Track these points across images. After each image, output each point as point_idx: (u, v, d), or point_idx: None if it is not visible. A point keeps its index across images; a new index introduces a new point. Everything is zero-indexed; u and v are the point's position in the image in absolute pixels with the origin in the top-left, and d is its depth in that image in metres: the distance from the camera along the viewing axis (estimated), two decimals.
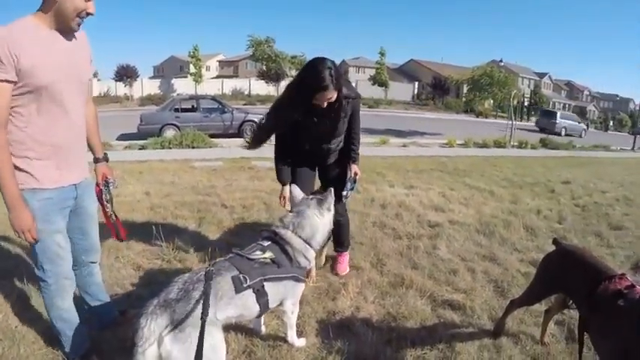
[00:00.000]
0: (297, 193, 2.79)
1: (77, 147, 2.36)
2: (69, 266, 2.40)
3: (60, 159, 2.21)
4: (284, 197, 3.52)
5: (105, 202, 2.75)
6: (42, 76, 2.00)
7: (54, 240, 2.26)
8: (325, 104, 3.11)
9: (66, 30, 2.11)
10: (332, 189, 2.80)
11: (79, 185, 2.39)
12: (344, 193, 3.56)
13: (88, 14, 2.10)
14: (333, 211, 2.78)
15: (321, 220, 2.65)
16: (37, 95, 2.03)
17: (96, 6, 2.11)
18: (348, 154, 3.65)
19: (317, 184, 3.80)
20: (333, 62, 3.06)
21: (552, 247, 2.83)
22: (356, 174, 3.62)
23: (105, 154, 2.71)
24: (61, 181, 2.24)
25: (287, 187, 3.39)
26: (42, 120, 2.09)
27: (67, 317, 2.47)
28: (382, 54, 46.24)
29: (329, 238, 3.89)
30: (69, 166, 2.28)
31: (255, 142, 3.53)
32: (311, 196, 2.76)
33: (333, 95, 3.06)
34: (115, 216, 2.83)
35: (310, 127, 3.31)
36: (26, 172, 2.08)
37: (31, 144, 2.08)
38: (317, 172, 3.78)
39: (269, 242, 2.50)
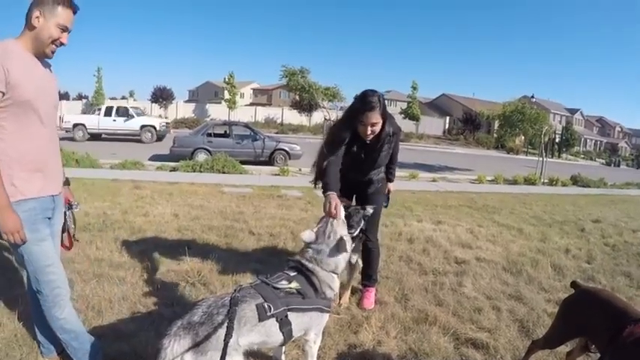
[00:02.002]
0: (308, 236, 2.68)
1: (55, 160, 2.49)
2: (60, 274, 2.44)
3: (41, 171, 2.32)
4: (330, 203, 2.91)
5: (69, 223, 2.80)
6: (25, 91, 2.15)
7: (42, 249, 2.33)
8: (369, 131, 3.32)
9: (41, 56, 2.30)
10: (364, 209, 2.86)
11: (55, 197, 2.49)
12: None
13: (61, 44, 2.29)
14: (350, 238, 2.79)
15: (341, 255, 2.65)
16: (20, 109, 2.16)
17: (68, 39, 2.32)
18: (386, 175, 3.95)
19: None
20: (382, 94, 3.34)
21: None
22: (389, 191, 4.06)
23: (66, 178, 2.78)
24: (42, 192, 2.33)
25: (333, 195, 3.06)
26: (23, 133, 2.21)
27: (68, 328, 2.50)
28: (414, 88, 46.51)
29: (352, 271, 3.93)
30: (49, 177, 2.38)
31: (317, 175, 3.69)
32: (325, 230, 2.69)
33: (378, 120, 3.29)
34: (74, 236, 2.89)
35: (354, 156, 3.50)
36: (10, 184, 2.16)
37: (14, 156, 2.19)
38: (354, 200, 3.88)
39: (295, 272, 2.52)
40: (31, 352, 2.80)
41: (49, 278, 2.37)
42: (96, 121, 24.56)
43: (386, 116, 3.38)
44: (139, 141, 24.27)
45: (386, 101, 3.38)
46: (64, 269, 2.50)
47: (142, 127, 24.84)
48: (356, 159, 3.55)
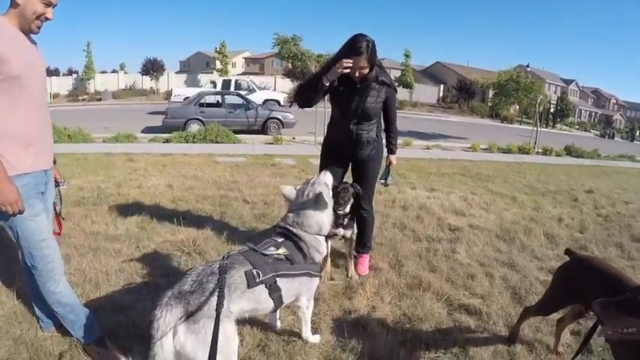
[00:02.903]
0: (289, 191, 2.74)
1: (46, 135, 2.47)
2: (54, 248, 2.46)
3: (32, 146, 2.30)
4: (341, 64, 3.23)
5: (55, 200, 2.78)
6: (15, 66, 2.12)
7: (37, 224, 2.33)
8: (357, 74, 3.31)
9: (27, 31, 2.27)
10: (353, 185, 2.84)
11: (47, 172, 2.49)
12: (382, 181, 3.97)
13: (46, 19, 2.27)
14: (329, 192, 2.78)
15: (325, 212, 2.66)
16: (10, 84, 2.14)
17: (54, 13, 2.30)
18: (387, 146, 3.89)
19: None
20: (373, 40, 3.27)
21: None
22: (391, 163, 3.97)
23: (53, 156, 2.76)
24: (34, 166, 2.32)
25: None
26: (14, 108, 2.19)
27: (65, 301, 2.53)
28: (407, 55, 45.89)
29: (351, 244, 3.95)
30: (40, 152, 2.37)
31: (296, 96, 3.69)
32: (304, 189, 2.72)
33: (364, 65, 3.26)
34: (59, 214, 2.86)
35: (342, 98, 3.51)
36: (4, 158, 2.15)
37: (6, 131, 2.17)
38: (350, 168, 3.90)
39: (283, 238, 2.53)
40: (30, 327, 2.81)
41: (44, 253, 2.38)
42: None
43: (374, 62, 3.34)
44: None
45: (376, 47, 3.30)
46: (57, 244, 2.51)
47: (265, 101, 23.12)
48: (344, 101, 3.53)
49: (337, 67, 3.23)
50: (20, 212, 2.20)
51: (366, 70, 3.33)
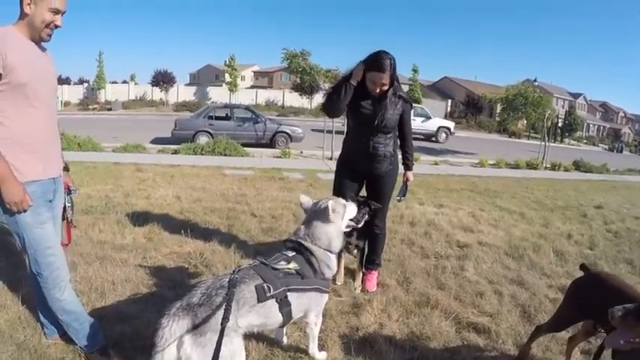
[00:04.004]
0: (305, 201, 2.78)
1: (55, 143, 2.49)
2: (60, 256, 2.46)
3: (41, 153, 2.33)
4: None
5: (67, 208, 2.78)
6: (23, 75, 2.16)
7: (43, 231, 2.34)
8: (377, 90, 3.39)
9: (38, 40, 2.30)
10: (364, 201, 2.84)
11: (56, 179, 2.50)
12: (397, 198, 3.99)
13: (56, 26, 2.29)
14: (345, 214, 2.76)
15: (333, 227, 2.63)
16: (17, 92, 2.17)
17: (64, 20, 2.33)
18: (403, 162, 3.96)
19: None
20: (395, 58, 3.36)
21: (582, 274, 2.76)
22: (407, 179, 4.00)
23: (66, 163, 2.77)
24: (42, 174, 2.34)
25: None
26: (21, 116, 2.21)
27: (69, 309, 2.52)
28: (415, 70, 45.91)
29: (363, 254, 3.93)
30: (49, 160, 2.40)
31: (325, 106, 3.74)
32: (319, 201, 2.73)
33: (386, 81, 3.35)
34: (71, 222, 2.85)
35: (363, 110, 3.55)
36: (12, 165, 2.17)
37: (14, 139, 2.19)
38: (365, 185, 3.91)
39: (293, 253, 2.52)
40: (34, 333, 2.81)
41: (49, 260, 2.38)
42: None
43: (394, 79, 3.42)
44: (436, 141, 26.43)
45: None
46: (64, 251, 2.51)
47: (439, 128, 27.49)
48: (364, 114, 3.55)
49: (359, 69, 3.38)
50: (25, 210, 2.21)
51: (386, 87, 3.41)
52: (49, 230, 2.38)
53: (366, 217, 3.43)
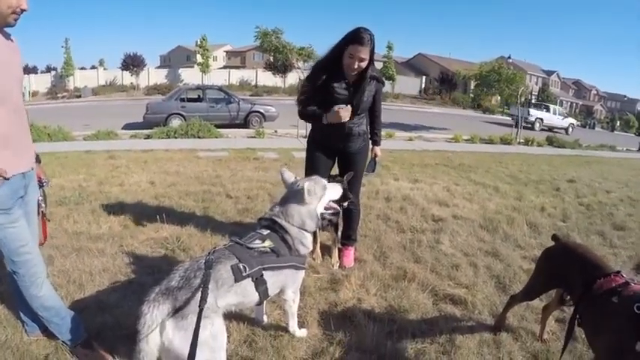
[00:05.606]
0: (288, 176, 2.75)
1: (24, 136, 2.38)
2: (36, 253, 2.41)
3: (7, 148, 2.21)
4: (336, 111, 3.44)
5: (39, 202, 2.71)
6: None
7: (15, 230, 2.26)
8: (356, 65, 3.32)
9: (3, 25, 2.19)
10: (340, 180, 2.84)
11: (27, 174, 2.40)
12: (366, 172, 3.99)
13: (22, 10, 2.18)
14: (325, 195, 2.73)
15: (307, 207, 2.61)
16: None
17: (29, 2, 2.20)
18: (372, 138, 3.92)
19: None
20: (374, 35, 3.33)
21: None
22: (376, 154, 4.00)
23: (37, 155, 2.68)
24: (11, 170, 2.22)
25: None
26: None
27: (49, 305, 2.48)
28: (390, 48, 45.84)
29: (337, 230, 3.96)
30: (17, 154, 2.29)
31: (300, 103, 3.69)
32: (298, 181, 2.69)
33: (365, 56, 3.30)
34: (44, 216, 2.75)
35: (339, 94, 3.49)
36: None
37: None
38: (336, 161, 3.91)
39: (268, 231, 2.51)
40: (15, 332, 2.76)
41: (25, 258, 2.33)
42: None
43: (372, 58, 3.39)
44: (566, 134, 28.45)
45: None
46: (36, 246, 2.46)
47: (570, 124, 31.48)
48: (339, 100, 3.50)
49: (338, 111, 3.38)
50: (6, 179, 2.14)
51: (365, 63, 3.35)
52: (21, 228, 2.30)
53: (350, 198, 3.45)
